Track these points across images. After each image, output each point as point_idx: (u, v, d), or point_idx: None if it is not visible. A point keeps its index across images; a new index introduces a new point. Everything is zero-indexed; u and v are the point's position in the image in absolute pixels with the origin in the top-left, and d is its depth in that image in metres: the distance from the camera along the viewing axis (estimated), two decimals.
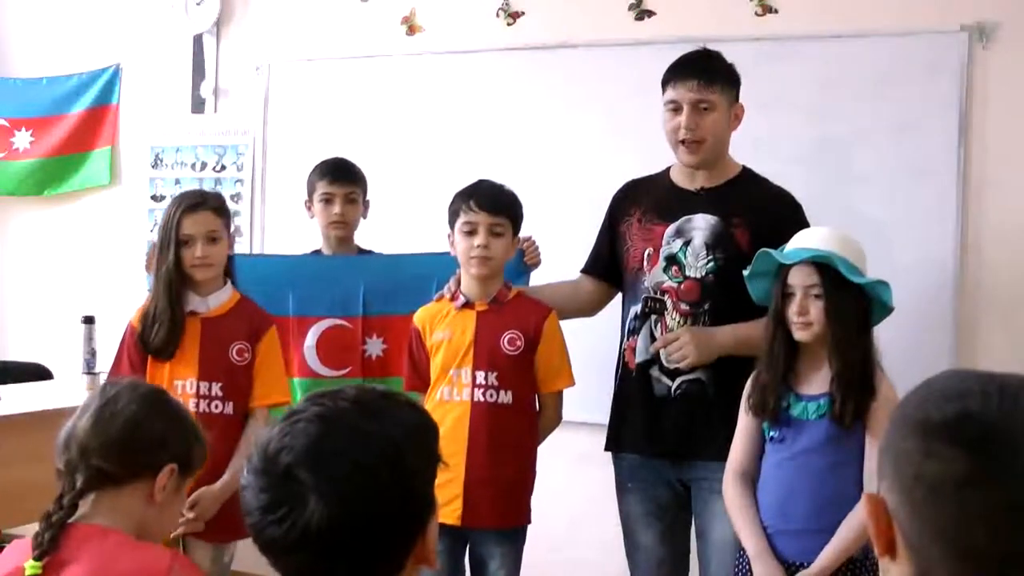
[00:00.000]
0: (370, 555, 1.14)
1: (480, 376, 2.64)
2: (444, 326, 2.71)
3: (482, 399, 2.63)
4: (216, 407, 2.73)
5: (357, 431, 1.16)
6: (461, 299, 2.71)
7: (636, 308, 2.71)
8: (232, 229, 2.86)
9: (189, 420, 1.78)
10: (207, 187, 4.27)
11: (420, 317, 2.77)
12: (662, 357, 2.63)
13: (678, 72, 2.64)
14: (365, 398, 1.21)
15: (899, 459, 0.95)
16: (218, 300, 2.80)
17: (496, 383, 2.64)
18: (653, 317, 2.67)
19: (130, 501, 1.65)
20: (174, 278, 2.72)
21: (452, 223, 2.70)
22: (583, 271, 2.94)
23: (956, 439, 0.91)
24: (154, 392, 1.78)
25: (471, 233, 2.64)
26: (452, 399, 2.65)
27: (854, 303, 2.27)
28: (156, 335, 2.73)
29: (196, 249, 2.71)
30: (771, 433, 2.34)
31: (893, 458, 0.96)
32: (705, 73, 2.62)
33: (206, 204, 2.76)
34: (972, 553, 0.90)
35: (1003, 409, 0.92)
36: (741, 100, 2.73)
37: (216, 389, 2.75)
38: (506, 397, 2.64)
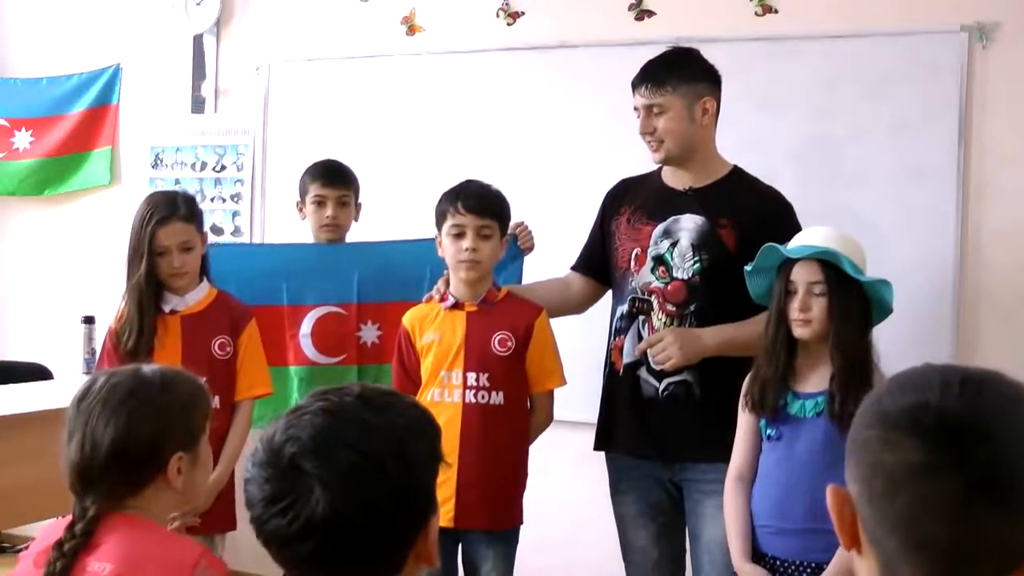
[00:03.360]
0: (372, 548, 1.15)
1: (471, 377, 2.63)
2: (434, 328, 2.70)
3: (473, 400, 2.63)
4: None
5: (363, 423, 1.17)
6: (450, 300, 2.70)
7: (623, 308, 2.72)
8: (205, 226, 2.89)
9: (176, 396, 1.67)
10: (207, 187, 4.29)
11: (409, 319, 2.76)
12: (649, 358, 2.63)
13: (635, 79, 2.70)
14: (370, 394, 1.22)
15: (860, 449, 0.95)
16: (196, 297, 2.84)
17: (487, 384, 2.63)
18: (640, 318, 2.67)
19: (153, 498, 1.63)
20: (144, 288, 2.75)
21: (439, 225, 2.69)
22: (573, 268, 2.94)
23: (912, 429, 0.90)
24: (128, 395, 1.63)
25: (459, 236, 2.63)
26: (443, 400, 2.64)
27: (857, 301, 2.28)
28: (128, 340, 2.76)
29: (172, 260, 2.75)
30: (768, 431, 2.35)
31: (855, 448, 0.96)
32: (654, 77, 2.65)
33: (178, 214, 2.77)
34: (927, 545, 0.89)
35: (962, 399, 0.91)
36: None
37: None
38: (498, 398, 2.63)
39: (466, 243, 2.62)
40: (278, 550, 1.16)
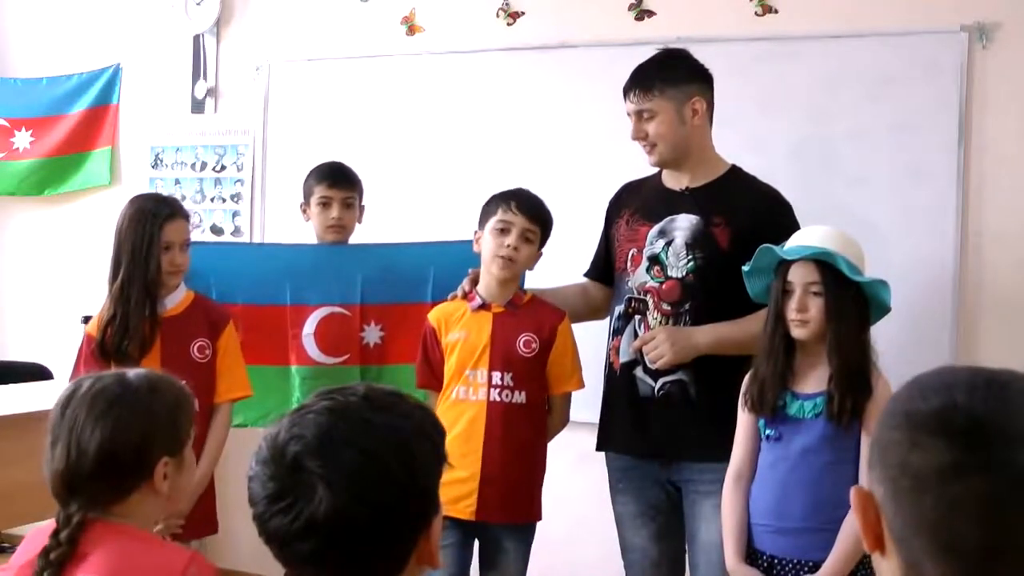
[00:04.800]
0: (374, 548, 1.14)
1: (496, 376, 2.67)
2: (460, 327, 2.73)
3: (498, 399, 2.67)
4: None
5: (367, 422, 1.17)
6: (477, 300, 2.73)
7: (620, 308, 2.73)
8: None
9: (162, 400, 1.65)
10: (207, 187, 4.29)
11: (435, 316, 2.79)
12: (644, 357, 2.64)
13: (625, 85, 2.73)
14: (374, 394, 1.22)
15: (886, 450, 0.95)
16: (175, 299, 2.83)
17: (511, 383, 2.67)
18: (636, 317, 2.68)
19: (139, 504, 1.61)
20: (152, 287, 2.73)
21: (483, 220, 2.73)
22: (586, 275, 2.96)
23: (940, 430, 0.91)
24: (114, 400, 1.60)
25: (504, 232, 2.67)
26: (468, 399, 2.68)
27: (854, 302, 2.28)
28: (124, 343, 2.72)
29: (175, 256, 2.76)
30: (767, 432, 2.35)
31: (881, 449, 0.96)
32: (640, 83, 2.68)
33: (180, 212, 2.81)
34: (954, 546, 0.89)
35: (989, 401, 0.91)
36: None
37: None
38: (520, 397, 2.68)
39: (509, 240, 2.66)
40: (280, 548, 1.16)
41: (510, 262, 2.68)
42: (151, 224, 2.73)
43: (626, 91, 2.71)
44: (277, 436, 1.17)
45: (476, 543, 2.78)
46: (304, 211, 3.18)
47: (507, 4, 3.77)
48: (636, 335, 2.67)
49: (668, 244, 2.65)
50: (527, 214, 2.69)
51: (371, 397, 1.21)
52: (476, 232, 2.76)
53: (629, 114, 2.71)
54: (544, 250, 3.01)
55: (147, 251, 2.72)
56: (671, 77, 2.68)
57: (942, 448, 0.90)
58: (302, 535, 1.12)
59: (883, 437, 0.96)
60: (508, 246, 2.66)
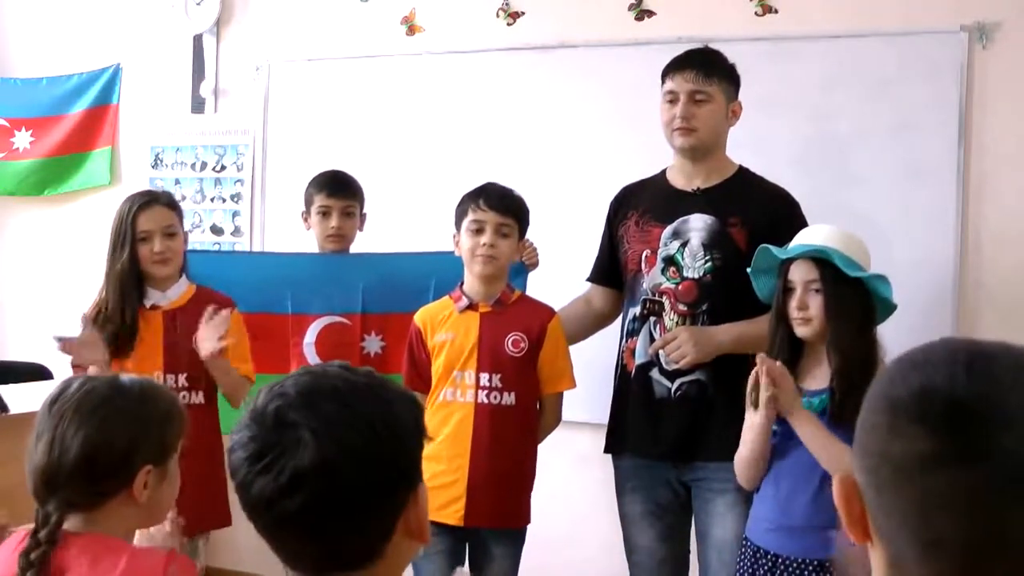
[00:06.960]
0: (359, 505, 1.13)
1: (484, 378, 2.64)
2: (447, 328, 2.70)
3: (486, 401, 2.64)
4: (184, 398, 2.72)
5: (347, 381, 1.17)
6: (464, 301, 2.70)
7: (635, 310, 2.72)
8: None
9: (152, 408, 1.63)
10: (207, 187, 4.29)
11: (421, 317, 2.77)
12: (661, 358, 2.63)
13: (678, 64, 2.69)
14: (353, 368, 1.22)
15: (867, 435, 0.87)
16: (177, 292, 2.82)
17: (500, 385, 2.64)
18: (652, 319, 2.67)
19: (116, 512, 1.58)
20: (128, 278, 2.73)
21: (459, 222, 2.70)
22: (589, 280, 2.95)
23: (920, 416, 0.82)
24: (103, 401, 1.58)
25: (478, 231, 2.65)
26: (456, 400, 2.65)
27: (854, 298, 2.27)
28: (109, 332, 2.72)
29: (155, 244, 2.74)
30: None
31: (863, 434, 0.88)
32: (704, 66, 2.66)
33: (159, 200, 2.79)
34: (937, 543, 0.81)
35: (972, 382, 0.82)
36: (741, 99, 2.75)
37: (182, 380, 2.76)
38: (509, 399, 2.64)
39: (484, 238, 2.63)
40: (264, 513, 1.13)
41: (491, 258, 2.64)
42: (125, 216, 2.74)
43: (678, 69, 2.67)
44: (256, 403, 1.16)
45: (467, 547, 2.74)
46: (305, 220, 3.18)
47: (507, 4, 3.77)
48: (651, 336, 2.67)
49: (683, 245, 2.65)
50: (498, 209, 2.65)
51: (350, 369, 1.21)
52: (454, 235, 2.73)
53: (672, 92, 2.67)
54: (545, 248, 3.01)
55: (121, 243, 2.73)
56: (725, 72, 2.69)
57: (921, 436, 0.81)
58: (287, 490, 1.10)
59: (867, 421, 0.88)
60: (485, 244, 2.64)
